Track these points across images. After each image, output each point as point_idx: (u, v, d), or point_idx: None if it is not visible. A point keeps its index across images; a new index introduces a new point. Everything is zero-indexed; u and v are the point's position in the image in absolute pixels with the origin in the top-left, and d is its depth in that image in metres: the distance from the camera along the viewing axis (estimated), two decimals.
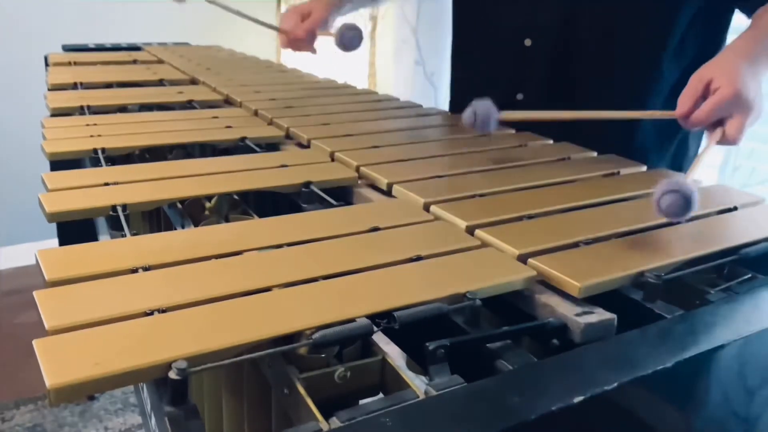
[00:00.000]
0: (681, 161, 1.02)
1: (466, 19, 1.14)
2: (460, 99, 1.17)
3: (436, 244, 0.58)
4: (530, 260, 0.55)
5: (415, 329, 0.46)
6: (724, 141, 0.77)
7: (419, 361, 0.48)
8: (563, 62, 0.98)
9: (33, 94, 1.68)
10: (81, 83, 1.24)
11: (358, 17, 2.81)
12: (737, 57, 0.79)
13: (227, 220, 0.73)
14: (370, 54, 2.46)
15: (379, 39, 2.67)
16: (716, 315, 0.50)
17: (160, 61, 1.60)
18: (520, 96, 1.02)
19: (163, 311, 0.45)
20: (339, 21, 1.17)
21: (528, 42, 1.00)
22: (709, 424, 0.50)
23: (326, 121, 1.01)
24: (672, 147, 1.01)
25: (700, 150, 0.76)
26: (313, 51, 1.17)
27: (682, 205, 0.56)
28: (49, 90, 1.22)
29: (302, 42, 1.15)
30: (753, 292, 0.54)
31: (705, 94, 0.75)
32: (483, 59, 1.10)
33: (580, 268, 0.53)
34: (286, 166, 0.80)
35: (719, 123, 0.76)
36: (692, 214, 0.57)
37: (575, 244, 0.58)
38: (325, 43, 1.18)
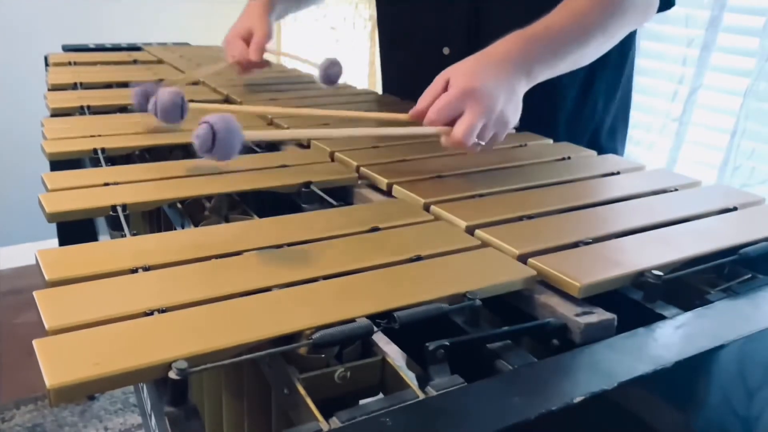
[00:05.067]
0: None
1: None
2: (391, 66, 1.18)
3: (436, 244, 0.58)
4: (530, 260, 0.55)
5: (415, 329, 0.46)
6: (451, 143, 0.71)
7: (419, 361, 0.48)
8: (484, 16, 0.96)
9: (33, 94, 1.68)
10: (81, 83, 1.24)
11: (358, 18, 2.81)
12: (488, 54, 0.74)
13: (227, 220, 0.73)
14: (370, 54, 2.46)
15: None
16: (716, 315, 0.50)
17: (160, 61, 1.59)
18: (446, 50, 1.01)
19: (163, 311, 0.45)
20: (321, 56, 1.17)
21: None
22: (709, 424, 0.50)
23: (326, 121, 1.01)
24: (584, 141, 0.97)
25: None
26: (268, 65, 1.17)
27: (208, 139, 0.55)
28: (49, 90, 1.21)
29: (257, 64, 1.14)
30: (753, 292, 0.54)
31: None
32: (406, 16, 1.09)
33: (580, 268, 0.53)
34: (286, 166, 0.80)
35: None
36: (221, 151, 0.56)
37: (575, 244, 0.58)
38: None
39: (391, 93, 1.21)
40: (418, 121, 0.74)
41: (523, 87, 0.75)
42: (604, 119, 1.05)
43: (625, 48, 1.02)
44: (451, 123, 0.71)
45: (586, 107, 1.03)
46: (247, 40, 1.13)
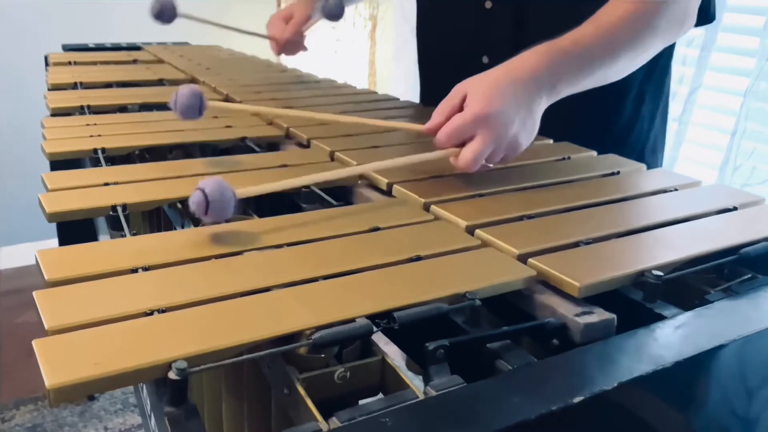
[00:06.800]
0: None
1: None
2: (430, 73, 1.17)
3: (436, 244, 0.58)
4: (530, 260, 0.55)
5: (415, 329, 0.46)
6: (458, 167, 0.70)
7: (419, 361, 0.48)
8: (524, 24, 0.95)
9: (33, 94, 1.68)
10: (81, 83, 1.24)
11: (358, 17, 2.82)
12: (511, 70, 0.71)
13: (227, 220, 0.73)
14: (370, 54, 2.46)
15: (379, 39, 2.68)
16: (716, 315, 0.50)
17: (160, 61, 1.59)
18: (485, 59, 0.99)
19: (163, 311, 0.45)
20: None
21: (488, 4, 0.98)
22: (709, 424, 0.50)
23: (326, 121, 1.01)
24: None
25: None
26: (305, 49, 1.25)
27: (202, 206, 0.56)
28: (49, 90, 1.22)
29: (292, 44, 1.23)
30: (753, 292, 0.54)
31: (461, 109, 0.70)
32: (447, 25, 1.09)
33: (580, 268, 0.53)
34: (286, 166, 0.80)
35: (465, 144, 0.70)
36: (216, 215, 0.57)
37: (575, 244, 0.58)
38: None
39: (428, 96, 1.18)
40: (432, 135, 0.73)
41: (544, 105, 0.73)
42: (650, 136, 1.04)
43: (667, 63, 1.01)
44: (462, 144, 0.70)
45: (636, 126, 1.01)
46: (287, 21, 1.22)
